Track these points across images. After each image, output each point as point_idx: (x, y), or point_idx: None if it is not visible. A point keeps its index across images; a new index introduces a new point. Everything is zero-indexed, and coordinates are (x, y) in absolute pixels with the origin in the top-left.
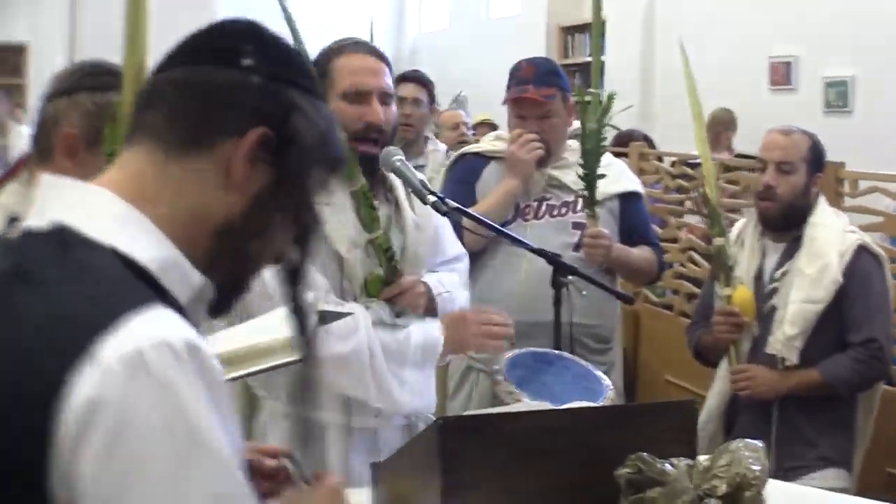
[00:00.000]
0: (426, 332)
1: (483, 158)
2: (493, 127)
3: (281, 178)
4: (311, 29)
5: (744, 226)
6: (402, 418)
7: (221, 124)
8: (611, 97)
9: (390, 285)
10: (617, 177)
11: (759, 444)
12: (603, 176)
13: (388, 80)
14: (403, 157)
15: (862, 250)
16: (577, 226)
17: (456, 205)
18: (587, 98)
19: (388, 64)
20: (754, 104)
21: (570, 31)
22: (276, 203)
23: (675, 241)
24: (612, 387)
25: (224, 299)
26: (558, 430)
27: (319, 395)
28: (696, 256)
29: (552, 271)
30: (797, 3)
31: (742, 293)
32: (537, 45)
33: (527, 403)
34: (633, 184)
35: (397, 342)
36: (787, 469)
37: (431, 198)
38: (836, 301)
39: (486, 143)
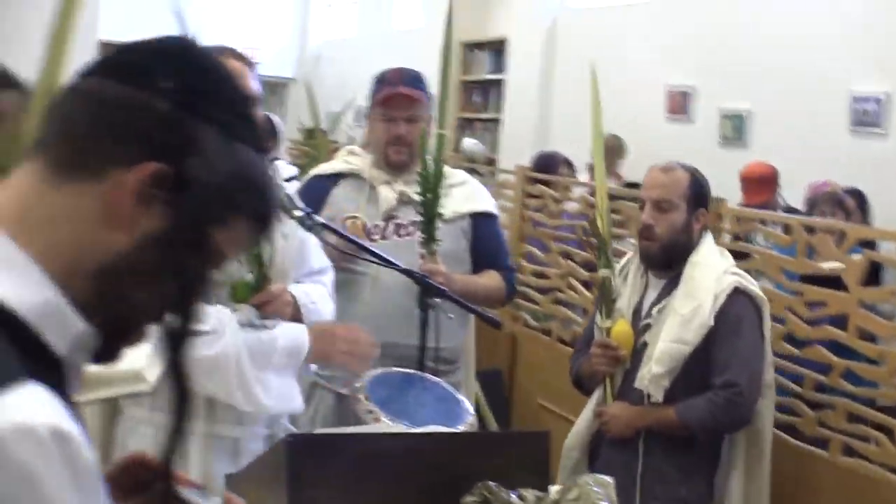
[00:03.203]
0: (293, 335)
1: (331, 179)
2: None
3: (176, 223)
4: (217, 33)
5: (629, 259)
6: (265, 428)
7: (113, 149)
8: (441, 136)
9: (259, 292)
10: (470, 195)
11: (609, 479)
12: (440, 216)
13: (255, 84)
14: (271, 168)
15: (737, 293)
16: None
17: (323, 220)
18: (441, 132)
19: (252, 67)
20: (650, 133)
21: (472, 47)
22: (166, 249)
23: (557, 266)
24: (472, 412)
25: (109, 348)
26: (408, 453)
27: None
28: (575, 283)
29: (419, 292)
30: (696, 34)
31: (621, 326)
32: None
33: (385, 424)
34: (486, 204)
35: (262, 344)
36: None
37: (297, 212)
38: (705, 343)
39: (338, 162)
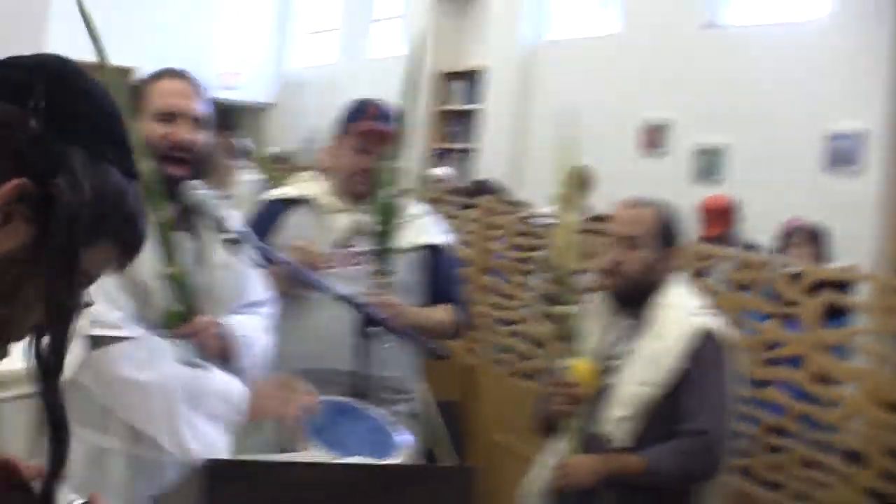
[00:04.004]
0: (229, 382)
1: (284, 204)
2: None
3: (40, 241)
4: (197, 57)
5: (593, 296)
6: None
7: None
8: (399, 168)
9: (185, 323)
10: (425, 228)
11: None
12: (392, 249)
13: (199, 105)
14: (206, 191)
15: (706, 335)
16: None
17: (261, 244)
18: (397, 165)
19: (202, 90)
20: (623, 166)
21: (451, 77)
22: (30, 267)
23: (514, 297)
24: (408, 443)
25: None
26: (329, 484)
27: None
28: (532, 315)
29: (360, 321)
30: (673, 68)
31: (583, 365)
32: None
33: (313, 454)
34: (441, 236)
35: (198, 384)
36: None
37: (229, 235)
38: (672, 387)
39: (292, 188)
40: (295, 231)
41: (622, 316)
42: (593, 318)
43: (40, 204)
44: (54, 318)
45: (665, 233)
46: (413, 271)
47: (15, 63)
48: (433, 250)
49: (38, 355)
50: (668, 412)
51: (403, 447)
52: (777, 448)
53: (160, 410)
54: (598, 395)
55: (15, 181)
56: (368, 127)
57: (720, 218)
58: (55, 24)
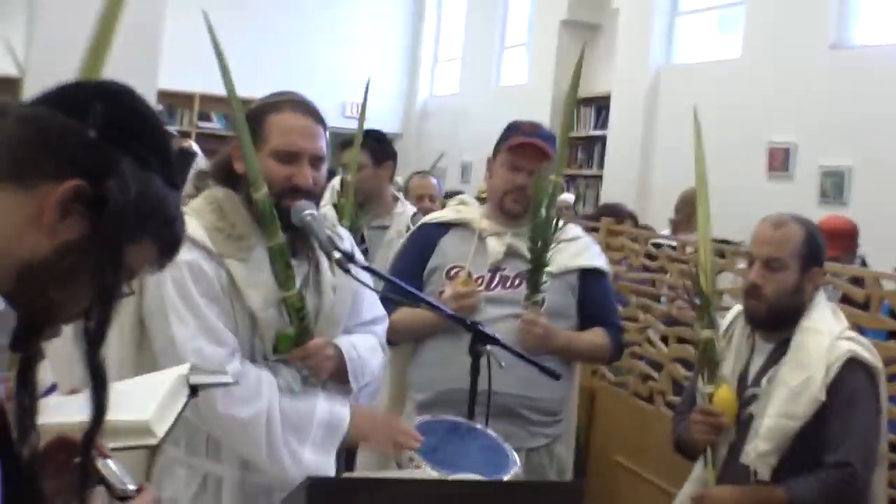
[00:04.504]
0: (333, 411)
1: (442, 227)
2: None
3: (92, 235)
4: (326, 88)
5: (734, 319)
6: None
7: (44, 165)
8: (556, 185)
9: (299, 346)
10: (580, 251)
11: None
12: (547, 265)
13: (322, 143)
14: (314, 212)
15: (852, 363)
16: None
17: (367, 264)
18: (555, 180)
19: (324, 125)
20: (749, 189)
21: (576, 103)
22: (82, 257)
23: (635, 320)
24: (518, 463)
25: (23, 336)
26: (432, 500)
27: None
28: (653, 337)
29: (470, 339)
30: (799, 89)
31: (724, 393)
32: (542, 115)
33: (424, 472)
34: (596, 260)
35: (300, 415)
36: None
37: (336, 254)
38: (816, 418)
39: (449, 211)
40: (449, 254)
41: (763, 340)
42: (733, 343)
43: (93, 203)
44: (101, 301)
45: (810, 253)
46: (566, 295)
47: (80, 85)
48: (587, 274)
49: (87, 330)
50: (811, 444)
51: (515, 467)
52: None
53: (263, 444)
54: (739, 424)
55: (73, 182)
56: (520, 141)
57: (836, 240)
58: (166, 56)
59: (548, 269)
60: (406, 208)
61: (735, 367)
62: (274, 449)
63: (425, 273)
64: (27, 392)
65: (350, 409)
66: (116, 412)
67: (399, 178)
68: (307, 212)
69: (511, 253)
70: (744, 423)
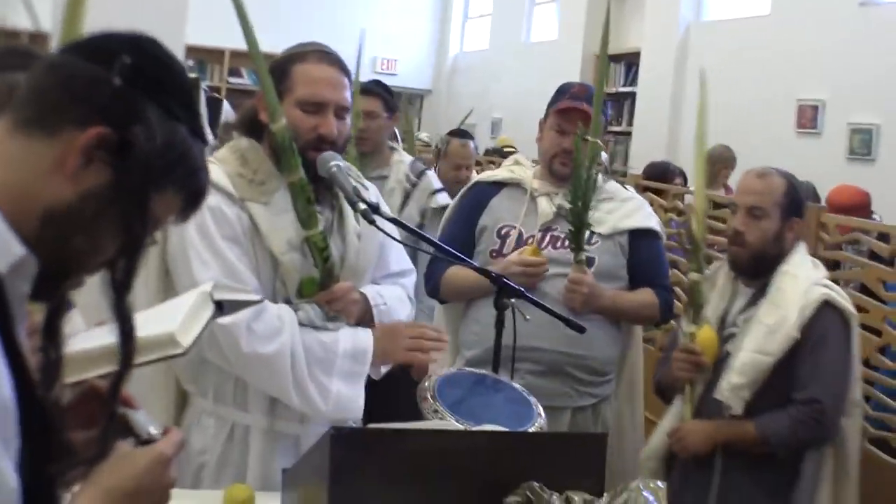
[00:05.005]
0: (356, 339)
1: (495, 186)
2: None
3: (116, 182)
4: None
5: (719, 266)
6: (325, 425)
7: (68, 112)
8: (595, 145)
9: (325, 289)
10: (632, 212)
11: (661, 484)
12: (589, 225)
13: (347, 94)
14: (340, 163)
15: (826, 306)
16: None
17: (392, 216)
18: (595, 141)
19: (349, 76)
20: (779, 146)
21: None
22: (106, 205)
23: None
24: (542, 415)
25: (46, 284)
26: (454, 451)
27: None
28: (679, 291)
29: (496, 292)
30: (828, 47)
31: (706, 333)
32: (572, 72)
33: (447, 423)
34: (648, 221)
35: (324, 348)
36: None
37: (361, 205)
38: (789, 357)
39: (503, 170)
40: (501, 213)
41: (745, 285)
42: (717, 286)
43: (118, 150)
44: (127, 250)
45: (791, 203)
46: (616, 256)
47: (108, 34)
48: (638, 234)
49: (113, 280)
50: (783, 381)
51: (539, 419)
52: None
53: (287, 376)
54: (716, 362)
55: (97, 129)
56: (567, 105)
57: (851, 213)
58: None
59: (598, 230)
60: (403, 157)
61: (717, 309)
62: (301, 383)
63: (476, 231)
64: (53, 344)
65: (373, 332)
66: (142, 331)
67: (425, 135)
68: (333, 163)
69: (562, 213)
70: (720, 362)
